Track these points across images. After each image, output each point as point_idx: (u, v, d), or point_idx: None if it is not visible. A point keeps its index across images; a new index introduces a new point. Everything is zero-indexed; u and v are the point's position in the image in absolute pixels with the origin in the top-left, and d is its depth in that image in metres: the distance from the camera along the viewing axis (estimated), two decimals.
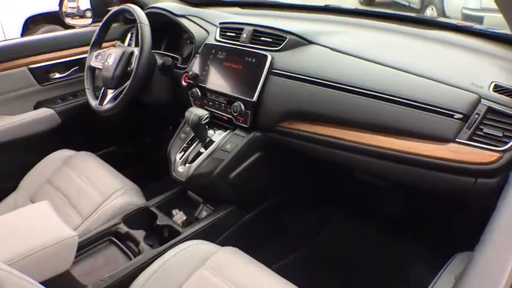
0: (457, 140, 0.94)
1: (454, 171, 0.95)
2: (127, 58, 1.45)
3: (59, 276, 0.88)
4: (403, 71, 1.05)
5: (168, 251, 1.09)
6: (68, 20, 1.83)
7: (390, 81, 1.05)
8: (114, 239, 1.22)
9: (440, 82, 0.99)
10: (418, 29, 1.32)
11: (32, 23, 3.72)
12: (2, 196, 1.48)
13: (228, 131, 1.35)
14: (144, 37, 1.38)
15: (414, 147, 1.00)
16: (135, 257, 1.15)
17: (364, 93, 1.06)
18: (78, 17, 1.81)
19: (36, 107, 1.69)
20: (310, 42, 1.24)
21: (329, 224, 1.73)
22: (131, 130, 2.06)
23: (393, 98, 1.02)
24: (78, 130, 1.78)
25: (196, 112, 1.25)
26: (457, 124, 0.94)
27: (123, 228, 1.22)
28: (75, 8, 1.82)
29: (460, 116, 0.93)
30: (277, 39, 1.28)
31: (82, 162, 1.51)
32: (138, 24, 1.40)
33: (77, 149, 1.61)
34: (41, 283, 0.74)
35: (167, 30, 1.71)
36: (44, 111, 1.67)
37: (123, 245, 1.20)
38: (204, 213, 1.37)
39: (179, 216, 1.33)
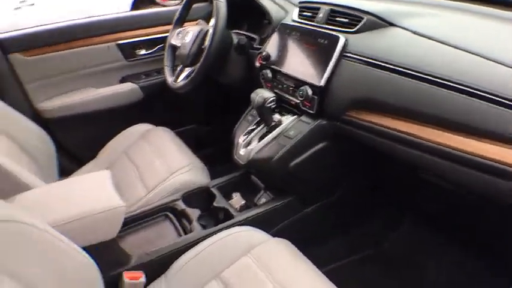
0: None
1: None
2: (203, 36, 1.44)
3: (103, 244, 0.91)
4: (499, 63, 0.83)
5: (217, 233, 1.07)
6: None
7: (484, 74, 0.84)
8: (170, 214, 1.23)
9: None
10: None
11: (140, 3, 3.99)
12: (81, 163, 1.59)
13: (295, 116, 1.27)
14: (218, 14, 1.36)
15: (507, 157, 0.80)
16: (186, 234, 1.16)
17: (451, 86, 0.87)
18: None
19: (121, 82, 1.78)
20: (391, 24, 1.09)
21: (394, 229, 1.57)
22: (211, 110, 2.08)
23: (486, 95, 0.81)
24: (159, 106, 1.84)
25: (262, 94, 1.20)
26: None
27: (181, 205, 1.23)
28: None
29: None
30: (354, 19, 1.15)
31: (158, 137, 1.56)
32: (214, 1, 1.38)
33: (156, 124, 1.66)
34: (85, 248, 0.77)
35: (250, 10, 1.67)
36: (129, 86, 1.75)
37: (177, 222, 1.21)
38: (263, 200, 1.32)
39: (237, 199, 1.30)
